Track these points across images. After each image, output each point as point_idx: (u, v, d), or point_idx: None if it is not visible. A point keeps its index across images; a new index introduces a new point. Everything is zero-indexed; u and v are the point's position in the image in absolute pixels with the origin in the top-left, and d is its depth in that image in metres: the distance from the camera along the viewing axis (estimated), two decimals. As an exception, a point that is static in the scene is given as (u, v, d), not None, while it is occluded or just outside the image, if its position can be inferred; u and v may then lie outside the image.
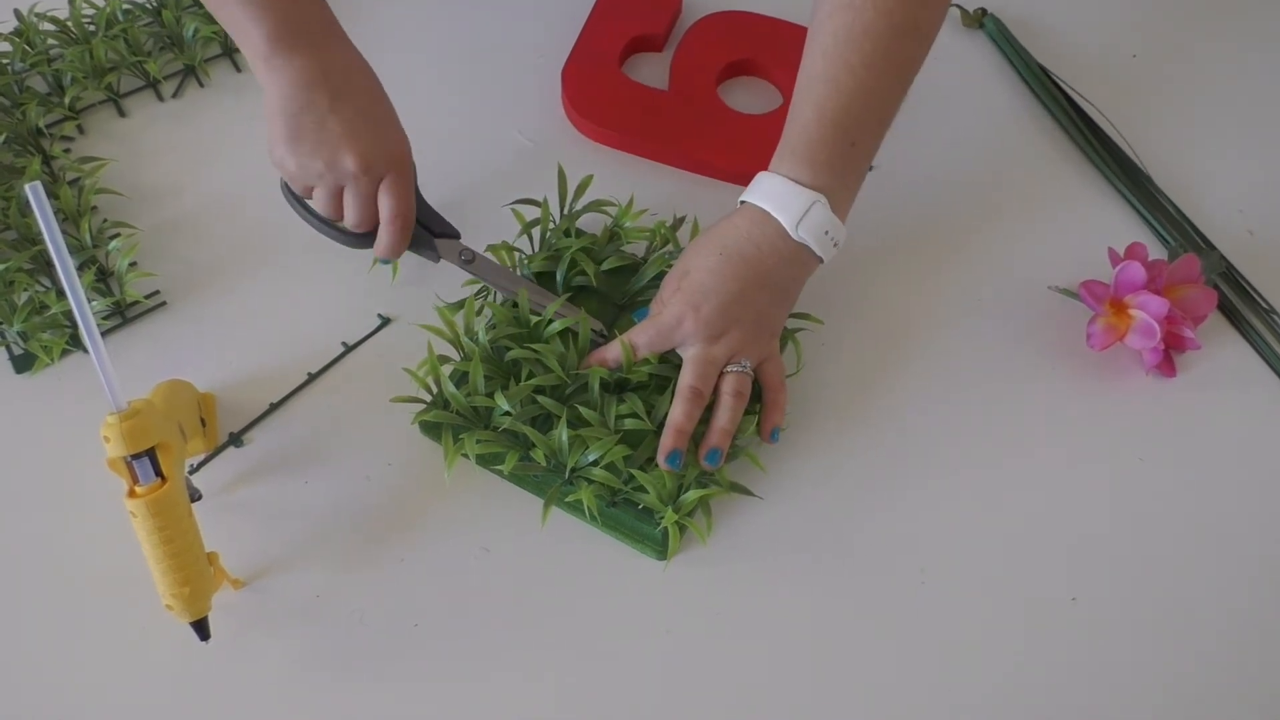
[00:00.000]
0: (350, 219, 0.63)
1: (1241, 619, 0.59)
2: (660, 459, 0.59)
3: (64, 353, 0.66)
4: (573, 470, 0.59)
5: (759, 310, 0.61)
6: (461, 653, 0.57)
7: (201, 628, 0.54)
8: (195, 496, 0.59)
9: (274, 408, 0.65)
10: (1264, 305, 0.71)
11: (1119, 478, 0.64)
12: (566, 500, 0.60)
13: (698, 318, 0.60)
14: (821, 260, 0.62)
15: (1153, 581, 0.60)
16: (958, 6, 0.88)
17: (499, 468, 0.60)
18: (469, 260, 0.67)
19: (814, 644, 0.58)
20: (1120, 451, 0.65)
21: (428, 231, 0.67)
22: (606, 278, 0.67)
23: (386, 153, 0.61)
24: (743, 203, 0.62)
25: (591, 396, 0.61)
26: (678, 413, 0.59)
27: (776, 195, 0.60)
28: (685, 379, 0.60)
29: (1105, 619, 0.59)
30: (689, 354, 0.61)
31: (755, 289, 0.61)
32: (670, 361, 0.62)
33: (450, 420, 0.60)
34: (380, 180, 0.62)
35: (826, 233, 0.61)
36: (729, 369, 0.61)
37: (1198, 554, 0.61)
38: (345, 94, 0.60)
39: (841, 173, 0.61)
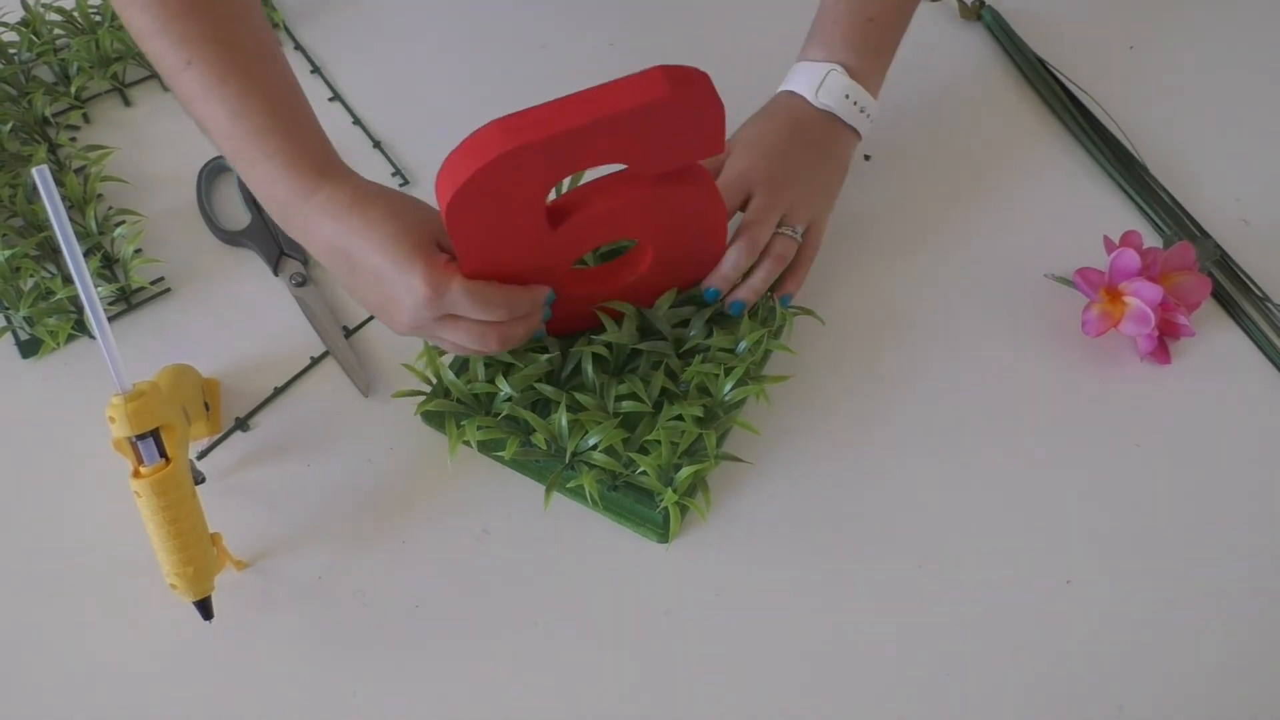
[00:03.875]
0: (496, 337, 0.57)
1: (1235, 603, 0.60)
2: (704, 286, 0.63)
3: (69, 338, 0.67)
4: (573, 455, 0.60)
5: (810, 164, 0.66)
6: (462, 633, 0.58)
7: (204, 607, 0.55)
8: (199, 479, 0.60)
9: (278, 392, 0.66)
10: (1258, 293, 0.72)
11: (1114, 462, 0.65)
12: (568, 486, 0.61)
13: (764, 164, 0.64)
14: (857, 132, 0.68)
15: (1147, 565, 0.61)
16: (956, -2, 0.88)
17: (500, 454, 0.61)
18: (300, 284, 0.69)
19: (813, 625, 0.58)
20: (1115, 437, 0.66)
21: (277, 246, 0.71)
22: (600, 259, 0.68)
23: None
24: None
25: (587, 380, 0.61)
26: (729, 262, 0.62)
27: (796, 75, 0.68)
28: (746, 230, 0.63)
29: (1100, 601, 0.59)
30: (754, 203, 0.64)
31: (802, 146, 0.66)
32: (663, 337, 0.63)
33: (452, 409, 0.61)
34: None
35: (847, 96, 0.66)
36: (781, 230, 0.64)
37: (1192, 538, 0.62)
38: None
39: (859, 47, 0.67)
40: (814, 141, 0.66)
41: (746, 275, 0.64)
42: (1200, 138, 0.80)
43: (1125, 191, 0.77)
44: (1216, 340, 0.70)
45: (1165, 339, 0.68)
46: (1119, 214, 0.76)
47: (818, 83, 0.66)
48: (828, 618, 0.59)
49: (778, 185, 0.64)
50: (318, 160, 0.56)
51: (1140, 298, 0.65)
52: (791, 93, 0.67)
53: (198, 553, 0.54)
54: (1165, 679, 0.57)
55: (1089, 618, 0.59)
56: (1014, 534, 0.62)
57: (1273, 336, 0.70)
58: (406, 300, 0.54)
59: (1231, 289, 0.72)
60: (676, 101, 0.51)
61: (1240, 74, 0.85)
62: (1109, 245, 0.68)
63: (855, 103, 0.66)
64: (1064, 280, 0.70)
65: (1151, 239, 0.74)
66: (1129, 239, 0.67)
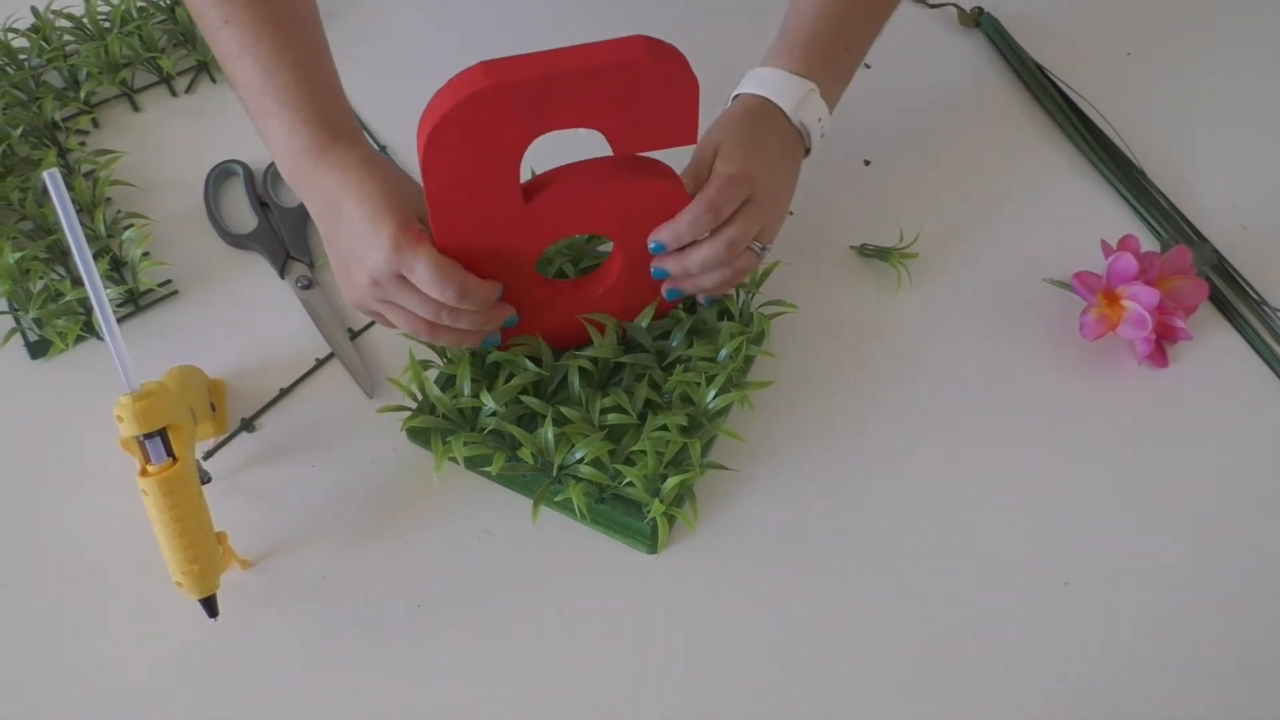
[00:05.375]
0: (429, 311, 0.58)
1: (1232, 604, 0.60)
2: (652, 240, 0.59)
3: (78, 339, 0.68)
4: (560, 468, 0.60)
5: (788, 182, 0.64)
6: (465, 632, 0.58)
7: (210, 605, 0.56)
8: (205, 479, 0.60)
9: (283, 393, 0.66)
10: (1255, 297, 0.72)
11: (1111, 465, 0.65)
12: (556, 500, 0.61)
13: (765, 175, 0.60)
14: (808, 151, 0.65)
15: (1144, 566, 0.61)
16: (955, 6, 0.89)
17: (487, 469, 0.61)
18: (305, 287, 0.71)
19: (807, 629, 0.59)
20: (1112, 440, 0.66)
21: (284, 249, 0.72)
22: (576, 272, 0.68)
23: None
24: (736, 96, 0.65)
25: (573, 393, 0.62)
26: (683, 221, 0.58)
27: (772, 83, 0.63)
28: (707, 193, 0.58)
29: (1098, 603, 0.60)
30: (719, 170, 0.59)
31: (785, 163, 0.63)
32: (645, 350, 0.63)
33: (437, 425, 0.61)
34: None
35: (820, 120, 0.64)
36: (752, 245, 0.61)
37: (1188, 541, 0.62)
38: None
39: (835, 73, 0.66)
40: (790, 158, 0.64)
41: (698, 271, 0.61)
42: (1197, 142, 0.81)
43: (1123, 196, 0.77)
44: (1214, 344, 0.70)
45: (1162, 342, 0.68)
46: (1116, 218, 0.77)
47: (798, 100, 0.63)
48: (822, 622, 0.59)
49: (771, 201, 0.62)
50: (338, 122, 0.59)
51: (1138, 301, 0.66)
52: (769, 102, 0.63)
53: (203, 551, 0.54)
54: (1161, 681, 0.57)
55: (1086, 619, 0.59)
56: (1011, 536, 0.62)
57: (1269, 340, 0.70)
58: (370, 254, 0.56)
59: (1228, 293, 0.73)
60: (654, 67, 0.53)
61: (1237, 79, 0.86)
62: (1106, 249, 0.68)
63: (821, 125, 0.64)
64: (1062, 284, 0.70)
65: (1149, 243, 0.74)
66: (1126, 243, 0.68)
